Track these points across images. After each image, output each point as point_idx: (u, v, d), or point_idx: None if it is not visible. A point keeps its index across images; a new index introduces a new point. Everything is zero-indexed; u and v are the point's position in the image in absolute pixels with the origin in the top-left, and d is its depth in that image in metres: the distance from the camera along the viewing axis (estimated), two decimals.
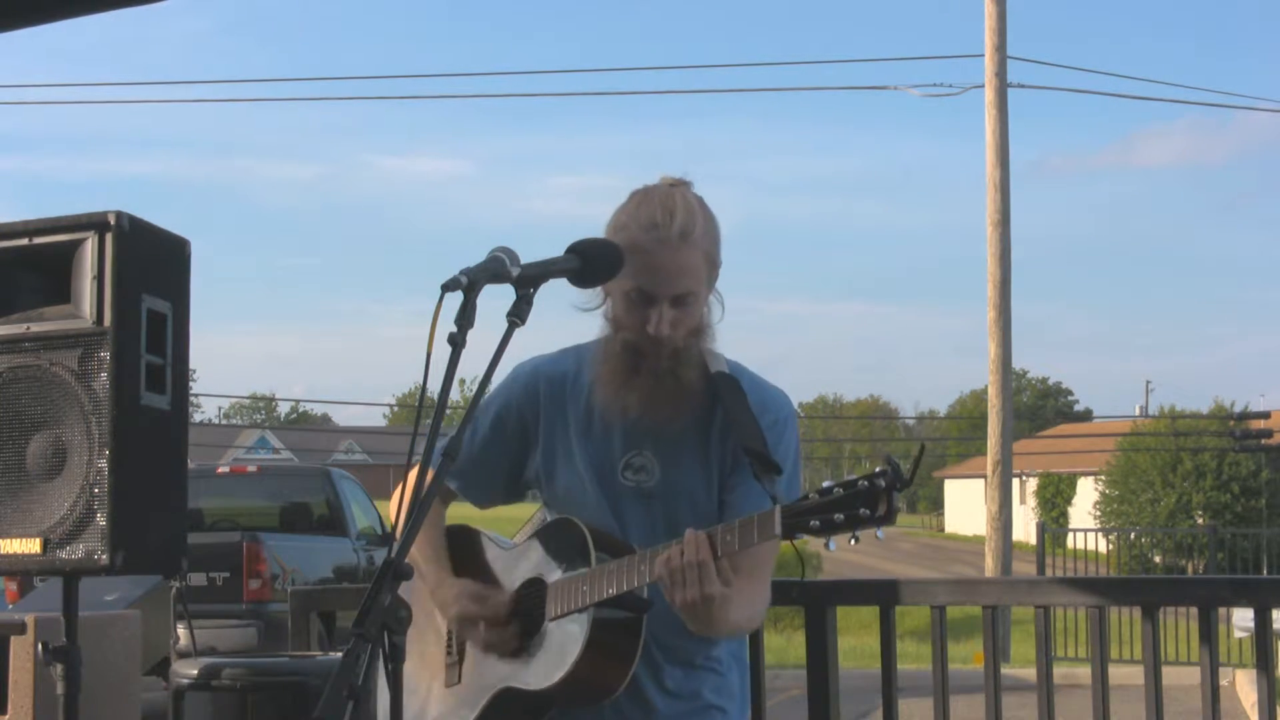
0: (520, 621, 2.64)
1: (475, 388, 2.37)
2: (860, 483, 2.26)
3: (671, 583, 2.40)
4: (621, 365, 2.62)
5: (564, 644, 2.53)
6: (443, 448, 2.19)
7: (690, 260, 2.59)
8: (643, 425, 2.64)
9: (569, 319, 2.74)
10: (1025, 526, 37.13)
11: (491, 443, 2.76)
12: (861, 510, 2.25)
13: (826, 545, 2.32)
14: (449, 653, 2.75)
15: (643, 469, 2.67)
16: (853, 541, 2.33)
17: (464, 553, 2.79)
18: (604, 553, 2.55)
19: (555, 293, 2.69)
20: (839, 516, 2.26)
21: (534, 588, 2.64)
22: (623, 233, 2.59)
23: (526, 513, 2.87)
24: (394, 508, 2.91)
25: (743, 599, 2.51)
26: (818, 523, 2.28)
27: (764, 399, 2.68)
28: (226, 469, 14.76)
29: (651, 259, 2.55)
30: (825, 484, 2.31)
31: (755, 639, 4.49)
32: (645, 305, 2.59)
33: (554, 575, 2.60)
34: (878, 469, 2.25)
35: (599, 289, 2.65)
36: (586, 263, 2.50)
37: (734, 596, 2.43)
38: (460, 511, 2.92)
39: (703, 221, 2.62)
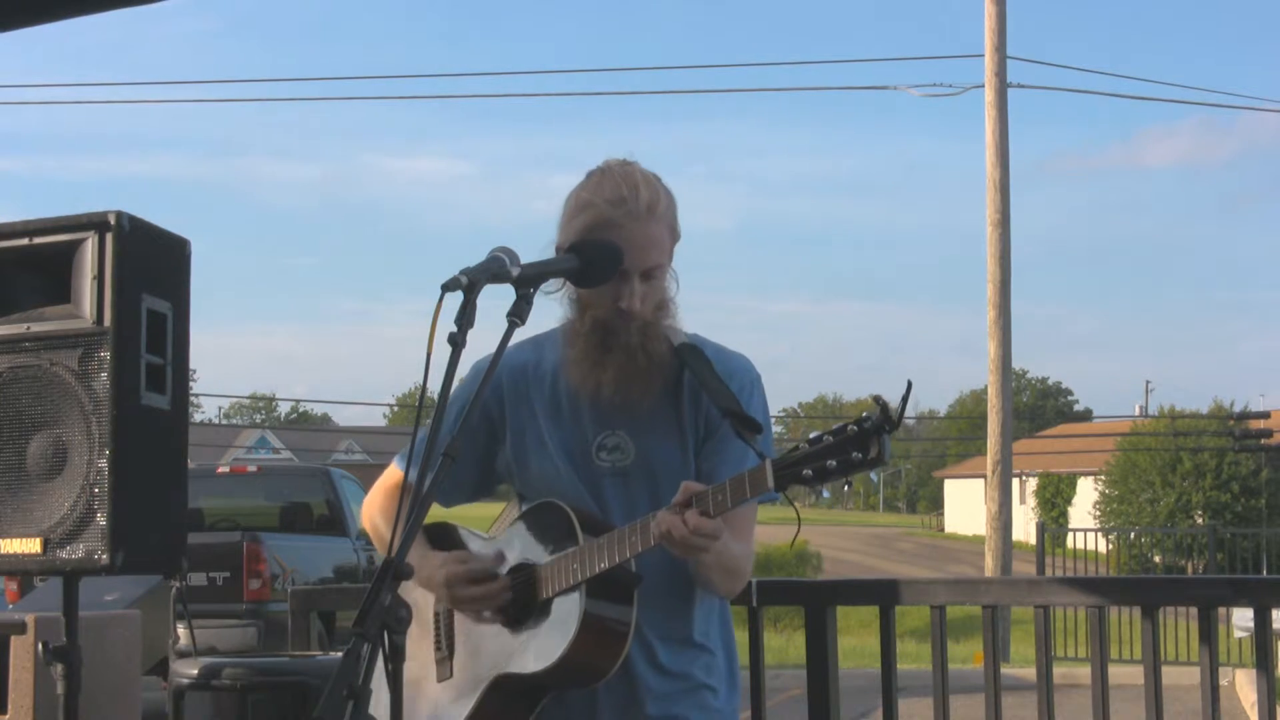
0: (512, 607, 2.62)
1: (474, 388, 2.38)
2: (849, 427, 2.26)
3: (674, 549, 2.41)
4: (592, 344, 2.62)
5: (558, 625, 2.52)
6: (441, 447, 2.19)
7: (657, 233, 2.61)
8: (614, 404, 2.64)
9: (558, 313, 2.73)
10: (1025, 526, 37.11)
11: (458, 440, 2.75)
12: (853, 454, 2.25)
13: (820, 494, 2.32)
14: (438, 648, 2.74)
15: (617, 448, 2.66)
16: (846, 487, 2.34)
17: (446, 548, 2.76)
18: (589, 532, 2.54)
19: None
20: (831, 463, 2.26)
21: (523, 573, 2.62)
22: (588, 210, 2.59)
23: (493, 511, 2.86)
24: (367, 512, 2.90)
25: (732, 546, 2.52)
26: (810, 471, 2.28)
27: (729, 366, 2.67)
28: (226, 469, 14.76)
29: (621, 234, 2.56)
30: (813, 434, 2.31)
31: (755, 639, 4.49)
32: (617, 281, 2.59)
33: (543, 557, 2.59)
34: (864, 413, 2.26)
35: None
36: (586, 262, 2.52)
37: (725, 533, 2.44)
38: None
39: (664, 195, 2.64)
